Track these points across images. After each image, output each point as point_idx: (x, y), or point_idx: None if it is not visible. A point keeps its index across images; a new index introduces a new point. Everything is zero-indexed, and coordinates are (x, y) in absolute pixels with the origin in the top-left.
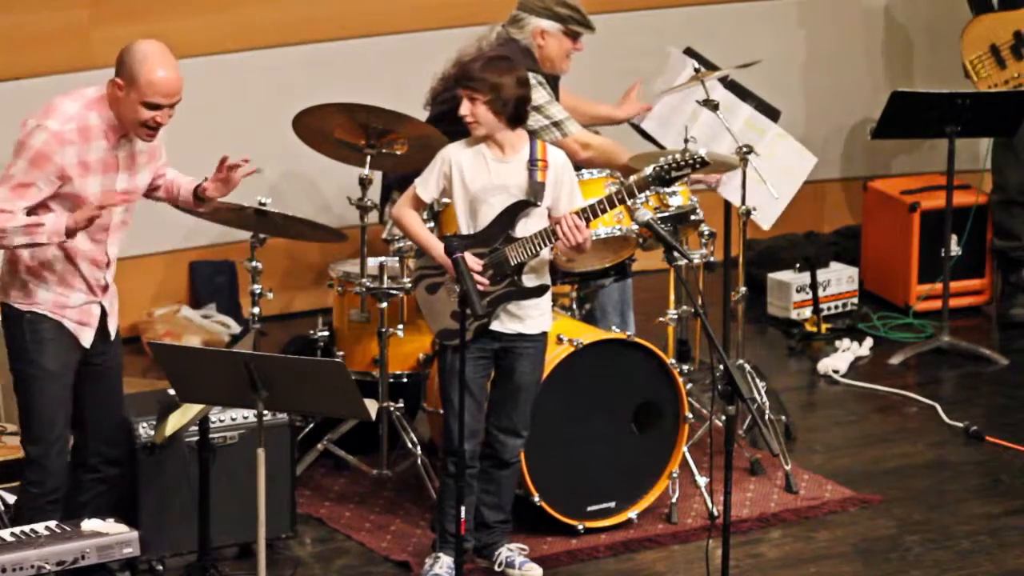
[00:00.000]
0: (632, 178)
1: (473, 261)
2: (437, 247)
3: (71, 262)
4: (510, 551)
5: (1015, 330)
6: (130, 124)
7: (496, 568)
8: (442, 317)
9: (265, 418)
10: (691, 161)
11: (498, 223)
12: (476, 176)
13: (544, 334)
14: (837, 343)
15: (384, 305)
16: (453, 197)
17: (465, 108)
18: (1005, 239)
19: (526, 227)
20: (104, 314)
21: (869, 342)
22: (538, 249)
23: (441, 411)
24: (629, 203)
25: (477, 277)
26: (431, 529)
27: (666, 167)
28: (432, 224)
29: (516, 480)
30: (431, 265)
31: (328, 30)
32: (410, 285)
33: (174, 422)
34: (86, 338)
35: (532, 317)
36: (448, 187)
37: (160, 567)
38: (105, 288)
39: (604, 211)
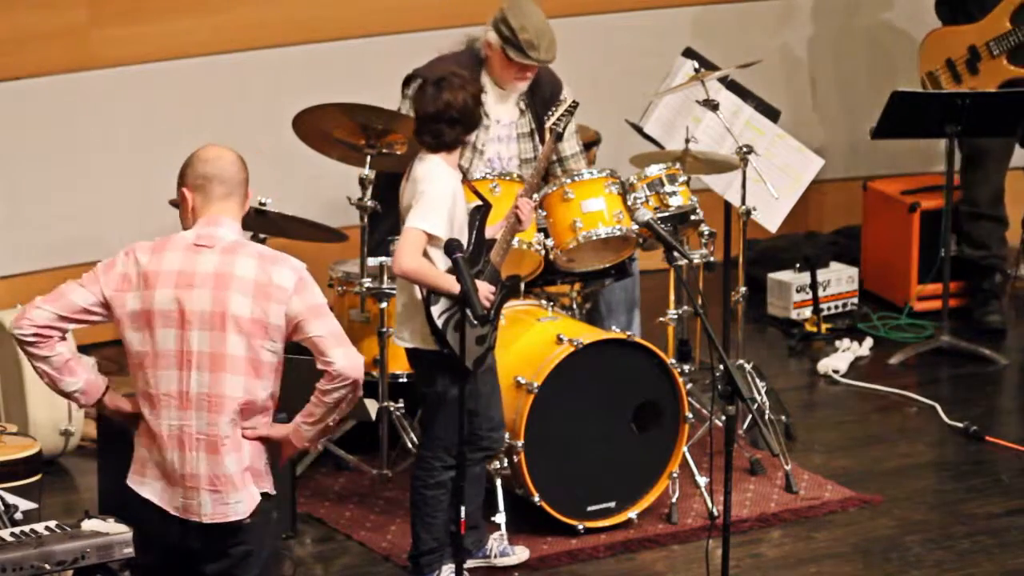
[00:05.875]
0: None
1: (487, 288)
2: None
3: None
4: (496, 541)
5: (1015, 330)
6: None
7: (493, 560)
8: (472, 348)
9: None
10: (570, 108)
11: (472, 237)
12: (461, 199)
13: None
14: (837, 343)
15: (384, 305)
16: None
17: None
18: (975, 248)
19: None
20: None
21: (869, 342)
22: (511, 243)
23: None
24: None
25: (487, 292)
26: (417, 548)
27: (554, 122)
28: None
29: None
30: (449, 306)
31: (328, 30)
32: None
33: None
34: None
35: None
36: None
37: None
38: None
39: (542, 183)
